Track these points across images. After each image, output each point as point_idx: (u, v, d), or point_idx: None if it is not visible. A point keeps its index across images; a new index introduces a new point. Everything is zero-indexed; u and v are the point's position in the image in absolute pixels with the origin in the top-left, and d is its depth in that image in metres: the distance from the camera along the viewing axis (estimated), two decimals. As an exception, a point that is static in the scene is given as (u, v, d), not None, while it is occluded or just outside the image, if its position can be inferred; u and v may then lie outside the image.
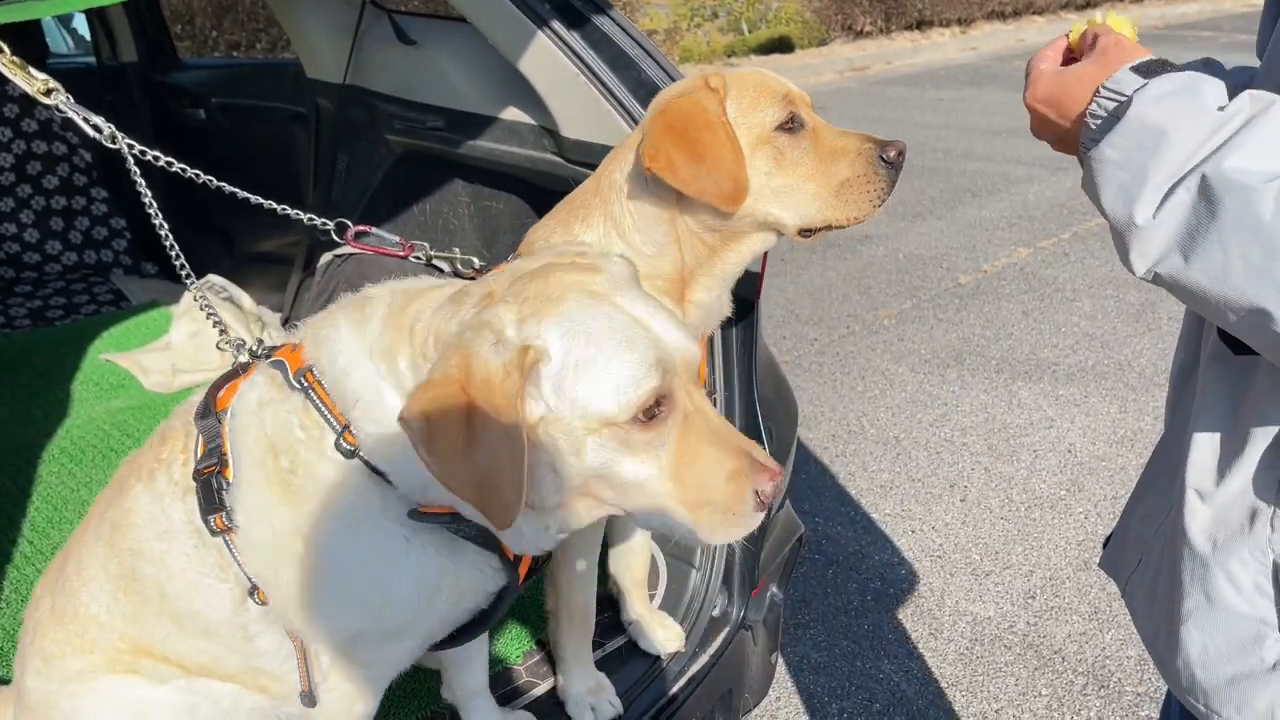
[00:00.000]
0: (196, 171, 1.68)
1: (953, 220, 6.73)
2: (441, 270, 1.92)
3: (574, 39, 2.07)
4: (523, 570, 1.38)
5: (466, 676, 1.81)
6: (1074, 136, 1.07)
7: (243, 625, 1.38)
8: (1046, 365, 4.67)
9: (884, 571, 3.27)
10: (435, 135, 2.71)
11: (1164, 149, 0.94)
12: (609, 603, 2.16)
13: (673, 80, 2.03)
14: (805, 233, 1.62)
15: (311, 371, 1.28)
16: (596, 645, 2.01)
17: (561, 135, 2.24)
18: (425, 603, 1.32)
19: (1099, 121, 1.02)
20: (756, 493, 1.12)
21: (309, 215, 1.72)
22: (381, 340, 1.25)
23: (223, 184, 1.67)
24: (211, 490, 1.31)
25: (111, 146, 1.58)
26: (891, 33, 14.01)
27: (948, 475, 3.80)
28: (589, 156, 2.08)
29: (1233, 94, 0.95)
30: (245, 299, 3.50)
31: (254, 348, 1.43)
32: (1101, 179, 1.00)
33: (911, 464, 3.89)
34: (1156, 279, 0.98)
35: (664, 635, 2.08)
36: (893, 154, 1.58)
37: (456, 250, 1.79)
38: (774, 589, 2.25)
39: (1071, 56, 1.16)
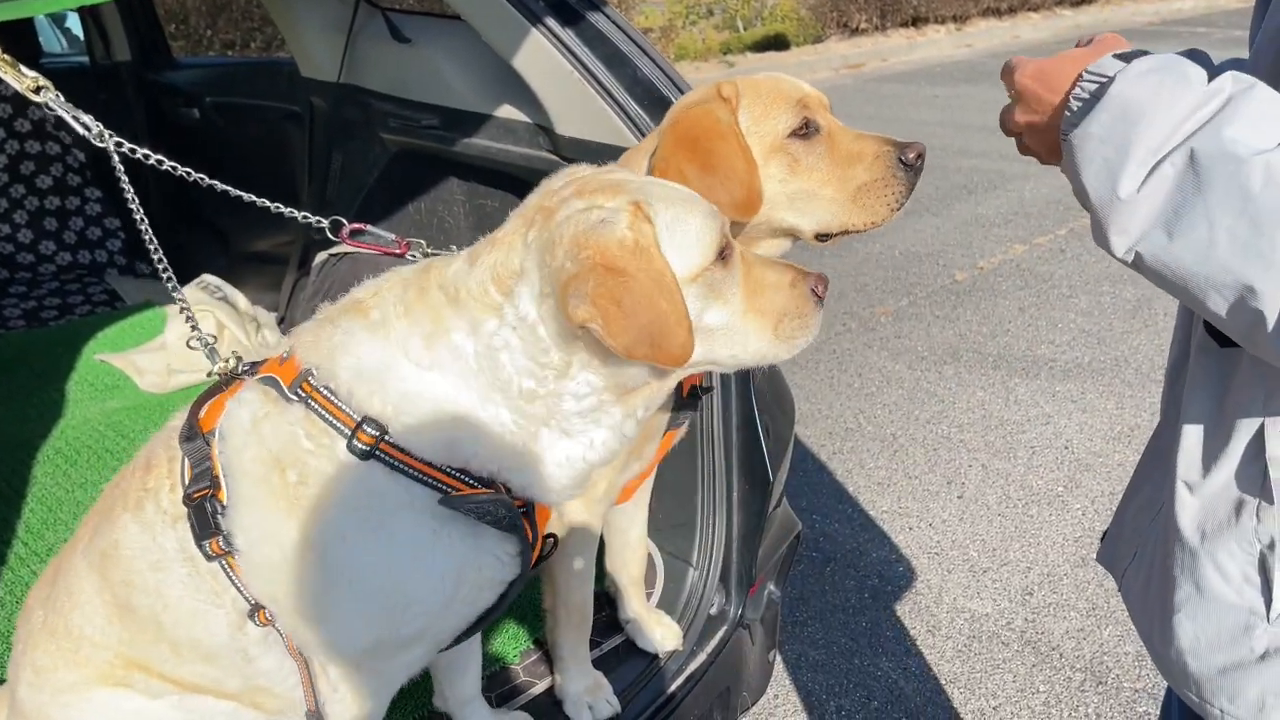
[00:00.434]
0: (188, 170, 1.67)
1: (949, 217, 6.73)
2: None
3: (569, 36, 2.06)
4: (534, 557, 1.37)
5: (460, 684, 1.80)
6: (1055, 121, 1.07)
7: (242, 649, 1.36)
8: (1043, 362, 4.67)
9: (881, 569, 3.27)
10: (430, 133, 2.70)
11: (1147, 123, 0.94)
12: (606, 601, 2.16)
13: (668, 77, 2.02)
14: (822, 237, 1.61)
15: (309, 381, 1.25)
16: (594, 644, 2.01)
17: (557, 133, 2.23)
18: (446, 601, 1.30)
19: (1080, 103, 1.02)
20: (813, 291, 1.30)
21: (304, 213, 1.71)
22: (417, 330, 1.23)
23: (214, 181, 1.66)
24: (205, 514, 1.28)
25: (100, 145, 1.57)
26: (887, 30, 14.01)
27: (945, 472, 3.81)
28: (584, 154, 2.08)
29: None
30: (241, 299, 3.49)
31: (233, 363, 1.40)
32: (1083, 156, 0.99)
33: (909, 461, 3.89)
34: (1137, 260, 0.97)
35: (662, 634, 2.08)
36: (912, 156, 1.56)
37: (453, 248, 1.77)
38: (771, 587, 2.24)
39: None
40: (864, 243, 6.22)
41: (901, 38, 13.90)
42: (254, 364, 1.38)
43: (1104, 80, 1.00)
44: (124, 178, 1.57)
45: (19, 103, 4.16)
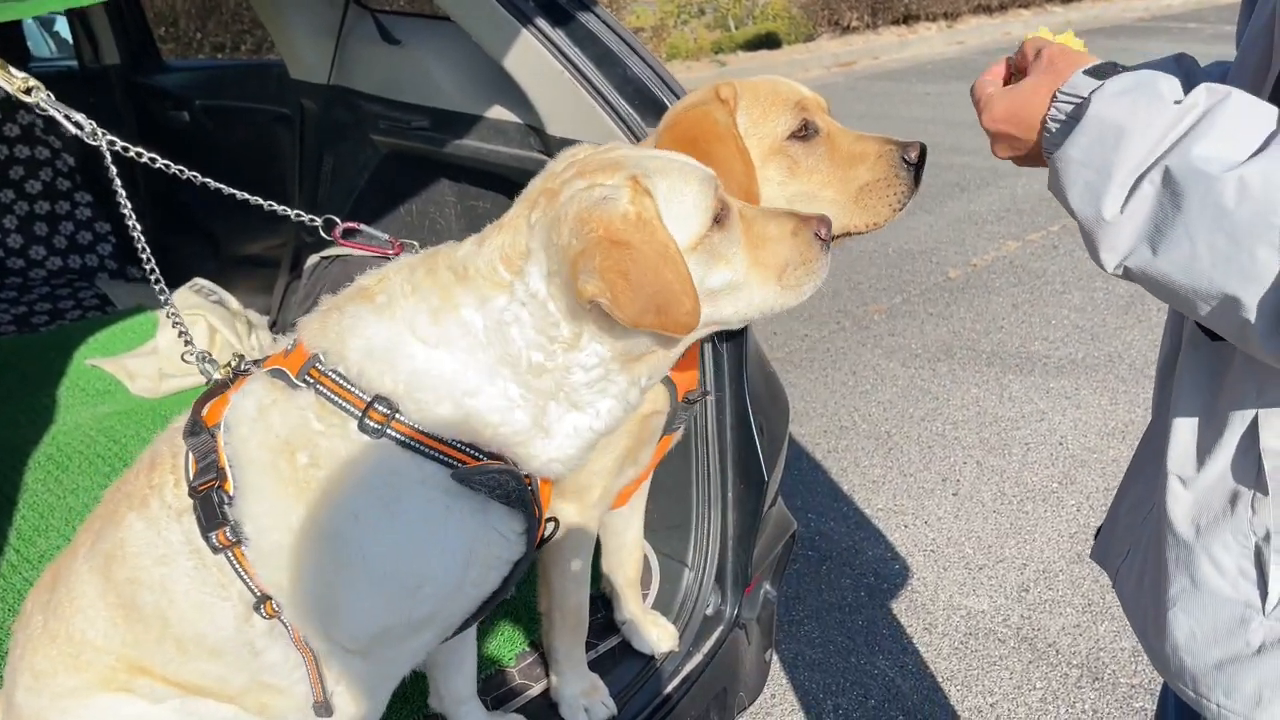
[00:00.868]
0: (180, 168, 1.67)
1: (941, 215, 6.74)
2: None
3: (559, 36, 2.06)
4: (537, 538, 1.39)
5: (456, 683, 1.80)
6: (1038, 149, 1.08)
7: (248, 641, 1.36)
8: (1037, 358, 4.68)
9: (877, 567, 3.27)
10: (421, 135, 2.69)
11: (1125, 144, 0.95)
12: (602, 603, 2.15)
13: (659, 77, 2.02)
14: None
15: (316, 366, 1.26)
16: (590, 646, 2.00)
17: (548, 134, 2.22)
18: (458, 582, 1.31)
19: (1058, 124, 1.03)
20: (817, 235, 1.31)
21: (295, 212, 1.71)
22: (424, 305, 1.25)
23: (207, 180, 1.66)
24: (212, 506, 1.29)
25: (93, 143, 1.56)
26: (878, 27, 14.02)
27: (940, 469, 3.81)
28: (576, 155, 2.07)
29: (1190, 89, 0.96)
30: (233, 301, 3.47)
31: (232, 363, 1.41)
32: (1067, 179, 1.01)
33: (903, 459, 3.89)
34: (1127, 273, 0.99)
35: (658, 635, 2.07)
36: (914, 155, 1.56)
37: None
38: (767, 586, 2.24)
39: (1011, 78, 1.17)
40: (857, 241, 6.17)
41: (893, 35, 13.91)
42: (257, 361, 1.38)
43: (1078, 100, 1.01)
44: (116, 179, 1.56)
45: (7, 107, 4.14)
